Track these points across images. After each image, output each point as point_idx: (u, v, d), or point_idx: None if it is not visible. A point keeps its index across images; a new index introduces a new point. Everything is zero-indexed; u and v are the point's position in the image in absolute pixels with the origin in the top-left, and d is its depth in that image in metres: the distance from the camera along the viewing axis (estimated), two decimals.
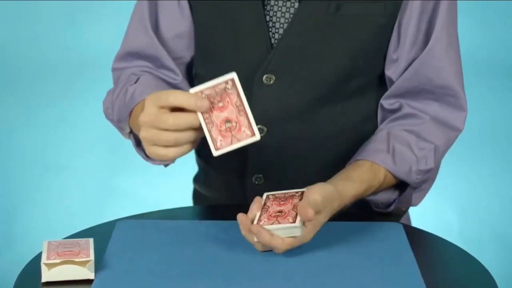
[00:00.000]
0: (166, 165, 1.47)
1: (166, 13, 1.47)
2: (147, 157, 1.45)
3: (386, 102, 1.44)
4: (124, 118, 1.41)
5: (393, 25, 1.40)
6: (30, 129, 3.16)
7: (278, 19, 1.40)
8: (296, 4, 1.39)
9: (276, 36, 1.41)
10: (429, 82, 1.40)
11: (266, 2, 1.40)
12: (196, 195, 1.65)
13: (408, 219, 1.61)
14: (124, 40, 1.51)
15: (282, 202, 1.24)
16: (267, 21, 1.41)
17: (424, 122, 1.41)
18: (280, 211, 1.22)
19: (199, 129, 1.16)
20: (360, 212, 1.44)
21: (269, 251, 1.23)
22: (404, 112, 1.42)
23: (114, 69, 1.52)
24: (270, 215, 1.22)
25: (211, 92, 1.15)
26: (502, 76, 3.26)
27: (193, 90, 1.15)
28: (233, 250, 1.24)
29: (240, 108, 1.15)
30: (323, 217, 1.23)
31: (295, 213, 1.21)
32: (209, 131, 1.15)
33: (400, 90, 1.42)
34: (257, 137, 1.16)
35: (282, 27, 1.40)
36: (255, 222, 1.21)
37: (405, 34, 1.40)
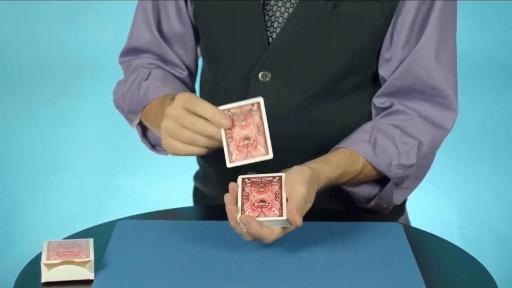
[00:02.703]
0: (167, 154, 1.50)
1: (167, 13, 1.50)
2: (152, 147, 1.53)
3: (377, 101, 1.45)
4: (137, 111, 1.47)
5: (389, 24, 1.41)
6: (30, 129, 3.16)
7: (276, 19, 1.41)
8: (296, 5, 1.40)
9: (274, 35, 1.41)
10: (419, 81, 1.41)
11: (266, 2, 1.41)
12: (195, 193, 1.66)
13: (407, 219, 1.61)
14: (129, 36, 1.55)
15: (261, 189, 1.23)
16: (265, 21, 1.41)
17: (412, 118, 1.41)
18: (263, 201, 1.22)
19: (218, 140, 1.23)
20: (347, 209, 1.45)
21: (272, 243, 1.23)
22: (393, 108, 1.43)
23: (121, 62, 1.58)
24: (253, 205, 1.21)
25: (237, 111, 1.23)
26: (501, 76, 3.26)
27: (221, 107, 1.23)
28: (233, 250, 1.25)
29: (260, 128, 1.23)
30: (310, 203, 1.23)
31: (279, 204, 1.20)
32: (228, 145, 1.23)
33: (391, 89, 1.43)
34: (270, 155, 1.23)
35: (280, 27, 1.41)
36: (238, 212, 1.20)
37: (398, 34, 1.40)
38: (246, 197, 1.22)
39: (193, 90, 1.55)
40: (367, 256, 1.24)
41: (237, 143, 1.22)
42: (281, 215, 1.19)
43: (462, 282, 1.21)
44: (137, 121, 1.49)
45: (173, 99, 1.40)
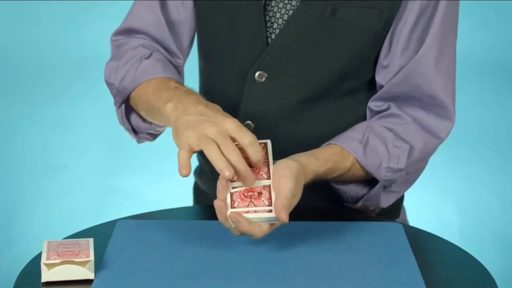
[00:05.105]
0: (154, 138, 1.51)
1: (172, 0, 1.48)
2: (133, 131, 1.48)
3: (373, 104, 1.45)
4: (128, 87, 1.42)
5: (388, 31, 1.40)
6: (30, 129, 3.16)
7: (276, 20, 1.41)
8: (296, 7, 1.40)
9: (273, 36, 1.41)
10: (417, 89, 1.40)
11: (267, 2, 1.41)
12: (195, 188, 1.66)
13: (405, 219, 1.61)
14: (127, 17, 1.51)
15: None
16: (266, 21, 1.41)
17: (406, 123, 1.41)
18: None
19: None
20: (346, 209, 1.45)
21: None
22: (390, 111, 1.43)
23: (112, 41, 1.52)
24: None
25: None
26: (502, 76, 3.26)
27: None
28: (233, 250, 1.25)
29: (264, 161, 1.23)
30: (297, 198, 1.23)
31: (268, 199, 1.20)
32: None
33: (388, 94, 1.43)
34: (270, 181, 1.22)
35: (279, 28, 1.41)
36: (228, 209, 1.20)
37: (397, 42, 1.40)
38: None
39: (183, 79, 1.52)
40: (367, 256, 1.24)
41: None
42: (270, 205, 1.19)
43: (462, 282, 1.21)
44: (122, 99, 1.44)
45: (178, 83, 1.39)
